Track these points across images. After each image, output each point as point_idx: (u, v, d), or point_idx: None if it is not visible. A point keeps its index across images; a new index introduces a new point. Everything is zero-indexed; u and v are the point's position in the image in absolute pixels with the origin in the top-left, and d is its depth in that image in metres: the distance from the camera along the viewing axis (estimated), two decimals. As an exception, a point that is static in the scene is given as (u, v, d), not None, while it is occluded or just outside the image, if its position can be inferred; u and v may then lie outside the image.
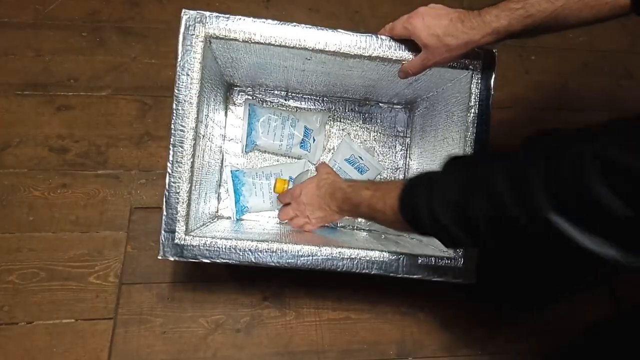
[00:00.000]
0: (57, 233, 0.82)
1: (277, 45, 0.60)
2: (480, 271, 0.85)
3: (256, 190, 0.82)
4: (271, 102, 0.87)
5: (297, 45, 0.60)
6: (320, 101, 0.88)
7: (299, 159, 0.86)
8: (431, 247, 0.70)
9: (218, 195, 0.83)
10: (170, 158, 0.59)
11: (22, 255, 0.80)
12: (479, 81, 0.64)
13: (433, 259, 0.62)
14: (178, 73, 0.59)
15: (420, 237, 0.74)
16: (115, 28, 0.97)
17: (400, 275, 0.62)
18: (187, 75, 0.59)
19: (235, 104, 0.86)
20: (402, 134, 0.89)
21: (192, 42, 0.59)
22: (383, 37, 0.62)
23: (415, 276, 0.62)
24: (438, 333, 0.84)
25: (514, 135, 1.03)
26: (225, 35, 0.59)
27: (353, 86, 0.80)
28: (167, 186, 0.59)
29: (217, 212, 0.83)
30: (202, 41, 0.59)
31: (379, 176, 0.87)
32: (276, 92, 0.87)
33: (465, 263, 0.62)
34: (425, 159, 0.81)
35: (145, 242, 0.83)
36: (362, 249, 0.62)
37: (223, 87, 0.82)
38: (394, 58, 0.62)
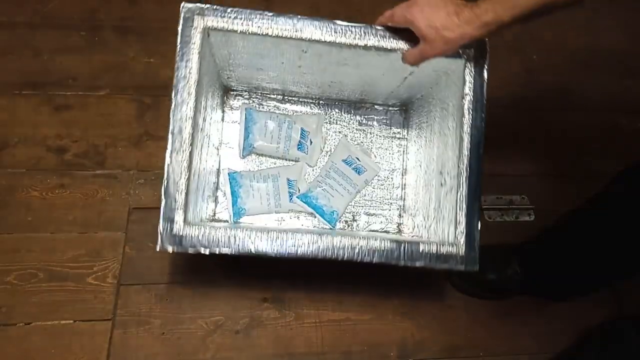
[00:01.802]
0: (55, 233, 0.82)
1: (275, 37, 0.61)
2: (481, 270, 0.85)
3: (254, 193, 0.82)
4: (267, 105, 0.87)
5: (293, 37, 0.61)
6: (316, 104, 0.87)
7: (296, 161, 0.86)
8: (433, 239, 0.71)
9: (215, 199, 0.83)
10: (169, 147, 0.59)
11: (20, 255, 0.79)
12: (472, 69, 0.64)
13: (435, 245, 0.62)
14: (177, 63, 0.60)
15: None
16: (113, 27, 0.97)
17: (402, 264, 0.61)
18: (186, 66, 0.60)
19: (232, 108, 0.86)
20: (398, 135, 0.89)
21: (190, 34, 0.60)
22: (378, 27, 0.63)
23: (417, 264, 0.61)
24: (438, 334, 0.84)
25: (514, 135, 1.03)
26: (223, 27, 0.61)
27: (349, 85, 0.80)
28: (165, 175, 0.58)
29: (214, 215, 0.82)
30: (200, 32, 0.60)
31: (376, 177, 0.87)
32: (272, 95, 0.87)
33: (467, 250, 0.62)
34: (421, 155, 0.81)
35: (143, 242, 0.83)
36: (363, 237, 0.61)
37: (220, 89, 0.81)
38: (389, 47, 0.63)
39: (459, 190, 0.63)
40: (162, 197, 0.58)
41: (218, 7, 0.61)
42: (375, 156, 0.88)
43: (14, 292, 0.77)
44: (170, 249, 0.58)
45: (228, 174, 0.82)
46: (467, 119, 0.64)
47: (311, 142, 0.85)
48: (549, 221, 0.85)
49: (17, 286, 0.78)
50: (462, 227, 0.62)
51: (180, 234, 0.58)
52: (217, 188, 0.83)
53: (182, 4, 0.61)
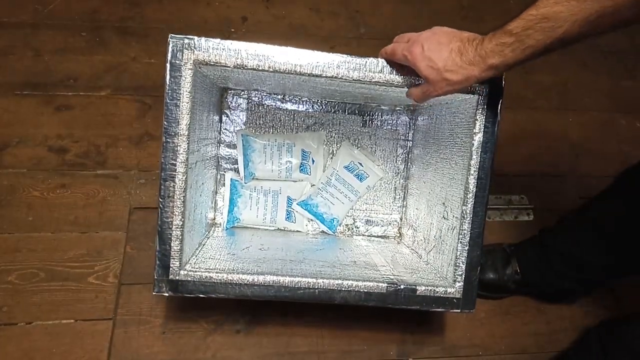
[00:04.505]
0: (56, 233, 0.82)
1: (271, 71, 0.58)
2: (480, 270, 0.85)
3: (251, 204, 0.82)
4: (268, 105, 0.83)
5: (292, 71, 0.58)
6: (318, 104, 0.84)
7: (300, 181, 0.85)
8: (431, 269, 0.71)
9: (214, 203, 0.82)
10: (161, 193, 0.57)
11: (22, 255, 0.80)
12: (485, 107, 0.60)
13: (431, 289, 0.61)
14: (166, 102, 0.56)
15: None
16: (114, 28, 0.97)
17: (397, 307, 0.62)
18: (176, 106, 0.56)
19: (230, 108, 0.83)
20: (403, 138, 0.86)
21: (180, 70, 0.56)
22: (383, 61, 0.59)
23: (412, 307, 0.62)
24: (438, 333, 0.84)
25: (514, 135, 1.03)
26: (215, 62, 0.56)
27: (353, 94, 0.78)
28: (159, 221, 0.58)
29: (214, 218, 0.82)
30: (190, 68, 0.56)
31: (379, 182, 0.86)
32: (272, 95, 0.83)
33: (465, 293, 0.61)
34: (426, 170, 0.78)
35: (144, 242, 0.83)
36: (360, 279, 0.61)
37: (217, 92, 0.79)
38: (395, 82, 0.59)
39: (460, 233, 0.62)
40: (157, 243, 0.58)
41: (209, 39, 0.56)
42: (378, 159, 0.86)
43: (15, 292, 0.77)
44: (167, 293, 0.59)
45: (230, 179, 0.82)
46: (475, 161, 0.60)
47: (313, 161, 0.83)
48: (548, 221, 0.85)
49: (18, 286, 0.78)
50: (461, 270, 0.62)
51: (176, 279, 0.58)
52: (216, 192, 0.83)
53: (169, 36, 0.56)
